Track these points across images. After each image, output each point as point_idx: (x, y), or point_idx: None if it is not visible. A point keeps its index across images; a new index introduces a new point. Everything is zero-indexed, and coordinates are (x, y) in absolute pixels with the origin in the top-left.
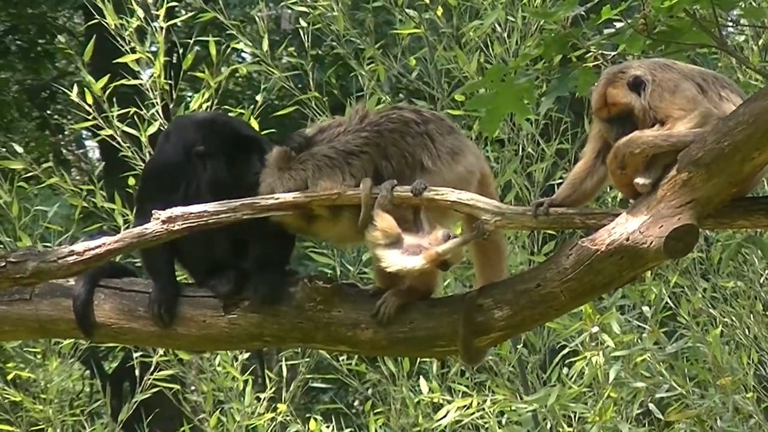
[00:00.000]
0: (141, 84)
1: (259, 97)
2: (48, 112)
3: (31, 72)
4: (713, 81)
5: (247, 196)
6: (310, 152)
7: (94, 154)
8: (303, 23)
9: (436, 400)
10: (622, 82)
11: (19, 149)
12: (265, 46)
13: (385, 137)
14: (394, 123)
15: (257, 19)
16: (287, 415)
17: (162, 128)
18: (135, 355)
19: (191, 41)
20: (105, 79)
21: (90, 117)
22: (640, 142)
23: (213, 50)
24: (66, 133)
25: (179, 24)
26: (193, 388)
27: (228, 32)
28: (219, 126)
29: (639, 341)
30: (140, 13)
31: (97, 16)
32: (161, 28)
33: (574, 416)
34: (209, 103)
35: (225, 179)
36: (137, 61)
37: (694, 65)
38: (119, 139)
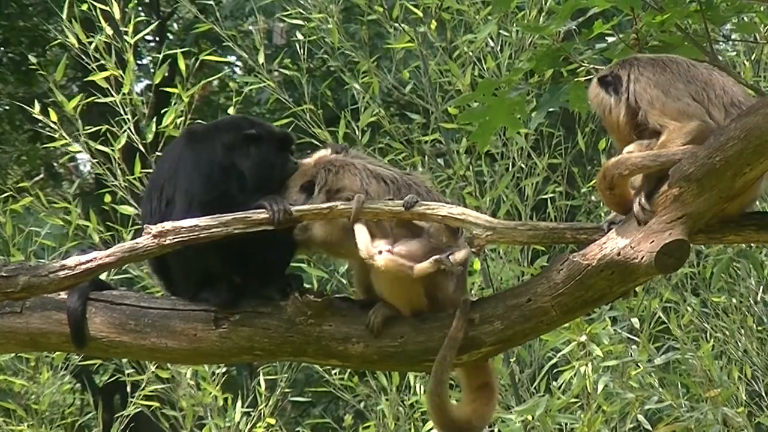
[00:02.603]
0: (114, 101)
1: (231, 110)
2: (39, 125)
3: (22, 84)
4: (721, 94)
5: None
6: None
7: (86, 167)
8: (300, 36)
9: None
10: (597, 78)
11: None
12: (261, 58)
13: (410, 189)
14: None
15: (254, 31)
16: (276, 429)
17: (133, 143)
18: (127, 371)
19: (161, 55)
20: (77, 99)
21: (57, 135)
22: (629, 164)
23: (182, 64)
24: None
25: (171, 37)
26: (176, 404)
27: (224, 44)
28: (257, 121)
29: (630, 354)
30: (109, 30)
31: (60, 36)
32: (129, 44)
33: (564, 427)
34: (182, 119)
35: (273, 161)
36: (107, 78)
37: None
38: (88, 156)
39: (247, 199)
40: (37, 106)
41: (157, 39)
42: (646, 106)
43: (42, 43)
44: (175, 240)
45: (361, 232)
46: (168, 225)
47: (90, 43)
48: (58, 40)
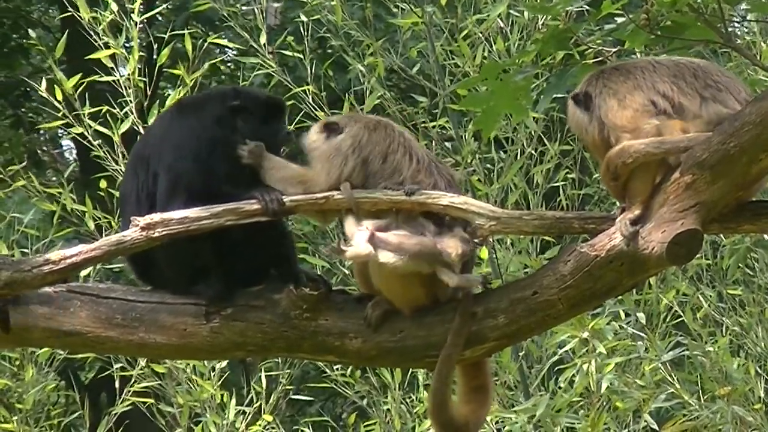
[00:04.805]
0: (114, 81)
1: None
2: (22, 110)
3: (4, 68)
4: (692, 80)
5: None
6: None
7: (72, 154)
8: (303, 17)
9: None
10: (571, 96)
11: None
12: (263, 38)
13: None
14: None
15: (255, 10)
16: (273, 427)
17: (135, 126)
18: (115, 366)
19: (165, 36)
20: (77, 77)
21: (60, 114)
22: (632, 151)
23: (189, 45)
24: (41, 132)
25: (160, 18)
26: (173, 400)
27: (224, 24)
28: (244, 90)
29: (641, 351)
30: (114, 6)
31: (71, 10)
32: (135, 23)
33: (573, 425)
34: None
35: (262, 133)
36: (112, 57)
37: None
38: (90, 138)
39: (235, 181)
40: (44, 83)
41: (145, 21)
42: (605, 118)
43: (24, 25)
44: (164, 232)
45: (348, 220)
46: (156, 217)
47: (95, 20)
48: (67, 13)
